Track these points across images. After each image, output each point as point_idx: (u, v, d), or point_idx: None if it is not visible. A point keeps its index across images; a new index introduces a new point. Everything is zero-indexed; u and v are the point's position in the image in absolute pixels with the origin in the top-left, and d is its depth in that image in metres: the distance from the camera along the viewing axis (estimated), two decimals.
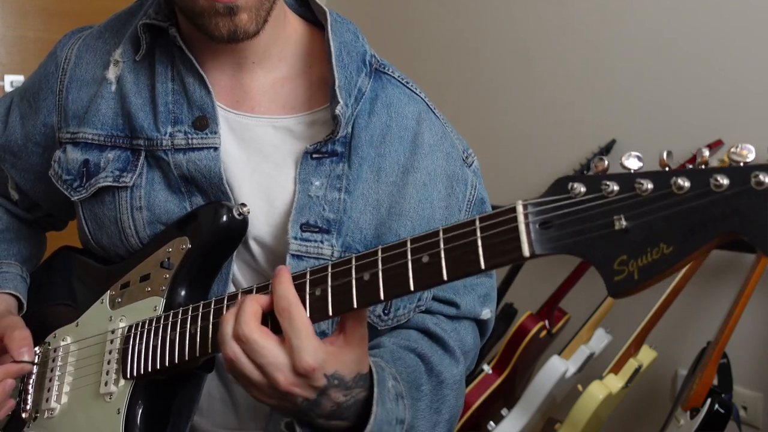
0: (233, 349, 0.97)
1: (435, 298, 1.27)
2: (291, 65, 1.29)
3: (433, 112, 1.30)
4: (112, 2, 1.77)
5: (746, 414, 2.48)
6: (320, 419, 1.01)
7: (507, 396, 2.41)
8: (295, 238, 1.18)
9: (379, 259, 0.94)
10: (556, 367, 2.31)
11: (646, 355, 2.37)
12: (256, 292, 1.04)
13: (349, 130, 1.22)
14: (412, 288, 0.90)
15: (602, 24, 2.74)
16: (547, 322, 2.48)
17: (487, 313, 1.33)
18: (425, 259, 0.89)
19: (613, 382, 2.27)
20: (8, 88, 3.04)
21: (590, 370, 2.42)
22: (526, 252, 0.81)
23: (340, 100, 1.18)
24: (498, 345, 2.54)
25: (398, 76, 1.31)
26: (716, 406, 2.00)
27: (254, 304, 0.98)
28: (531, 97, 2.98)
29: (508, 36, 3.04)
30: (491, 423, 2.34)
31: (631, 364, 2.32)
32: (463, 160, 1.30)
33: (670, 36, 2.56)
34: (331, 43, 1.23)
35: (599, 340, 2.46)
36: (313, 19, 1.34)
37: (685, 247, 0.72)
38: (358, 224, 1.20)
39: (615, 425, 2.61)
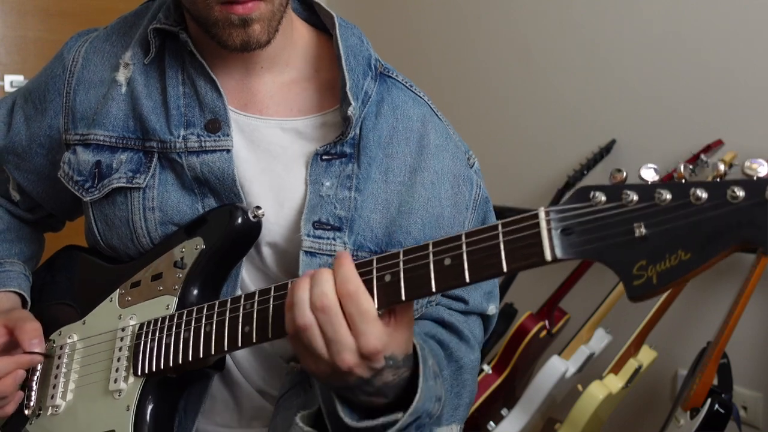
0: (309, 318, 0.96)
1: (444, 295, 1.30)
2: (298, 69, 1.31)
3: (437, 115, 1.33)
4: (112, 2, 1.77)
5: (746, 414, 2.48)
6: (364, 396, 1.01)
7: (507, 396, 2.42)
8: (308, 235, 1.20)
9: (401, 261, 0.96)
10: (556, 367, 2.31)
11: (646, 355, 2.38)
12: (276, 292, 1.06)
13: (357, 131, 1.24)
14: (433, 289, 0.93)
15: (602, 23, 2.74)
16: (547, 322, 2.48)
17: (492, 309, 1.35)
18: (447, 261, 0.92)
19: (613, 382, 2.28)
20: (8, 88, 3.05)
21: (590, 370, 2.42)
22: (548, 256, 0.85)
23: (351, 101, 1.20)
24: (498, 345, 2.54)
25: (402, 80, 1.33)
26: (716, 406, 2.01)
27: (331, 278, 0.97)
28: (531, 97, 2.98)
29: (508, 36, 3.04)
30: (491, 423, 2.35)
31: (631, 364, 2.32)
32: (466, 161, 1.33)
33: (671, 36, 2.56)
34: (340, 47, 1.25)
35: (599, 340, 2.47)
36: (319, 23, 1.36)
37: (703, 254, 0.76)
38: (369, 223, 1.22)
39: (615, 425, 2.61)
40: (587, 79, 2.80)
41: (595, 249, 0.82)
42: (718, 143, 2.43)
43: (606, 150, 2.67)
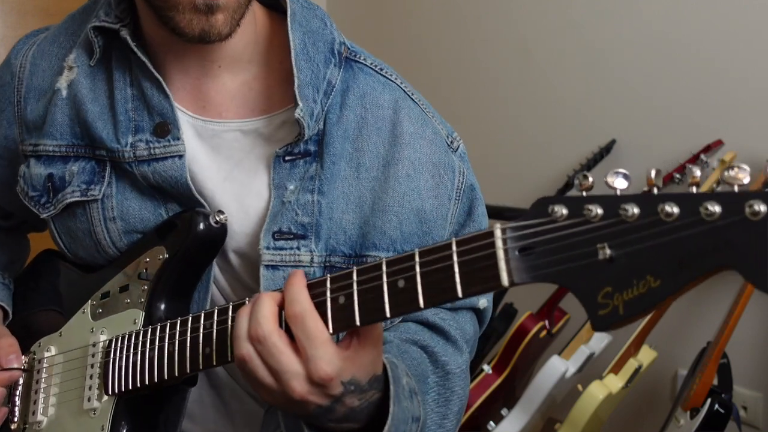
0: (247, 350, 0.89)
1: None
2: (259, 65, 1.21)
3: (411, 98, 1.21)
4: None
5: (746, 414, 2.48)
6: (331, 423, 0.94)
7: (507, 396, 2.41)
8: (268, 248, 1.13)
9: (354, 281, 0.88)
10: (556, 367, 2.30)
11: (646, 355, 2.37)
12: (234, 312, 0.99)
13: (321, 126, 1.15)
14: (388, 314, 0.85)
15: (603, 23, 2.73)
16: (547, 322, 2.47)
17: (483, 303, 1.26)
18: (401, 283, 0.84)
19: (613, 382, 2.27)
20: None
21: (590, 370, 2.41)
22: (504, 281, 0.75)
23: (299, 101, 1.11)
24: (498, 345, 2.53)
25: (371, 63, 1.22)
26: (716, 406, 2.00)
27: (272, 303, 0.90)
28: (531, 96, 2.96)
29: (508, 35, 3.02)
30: (491, 423, 2.34)
31: (631, 364, 2.31)
32: (448, 145, 1.22)
33: (671, 36, 2.55)
34: (292, 37, 1.14)
35: (599, 340, 2.46)
36: (278, 6, 1.24)
37: (674, 282, 0.66)
38: (341, 224, 1.14)
39: (615, 425, 2.61)
40: (587, 79, 2.78)
41: (557, 273, 0.71)
42: (718, 143, 2.42)
43: (606, 150, 2.66)
